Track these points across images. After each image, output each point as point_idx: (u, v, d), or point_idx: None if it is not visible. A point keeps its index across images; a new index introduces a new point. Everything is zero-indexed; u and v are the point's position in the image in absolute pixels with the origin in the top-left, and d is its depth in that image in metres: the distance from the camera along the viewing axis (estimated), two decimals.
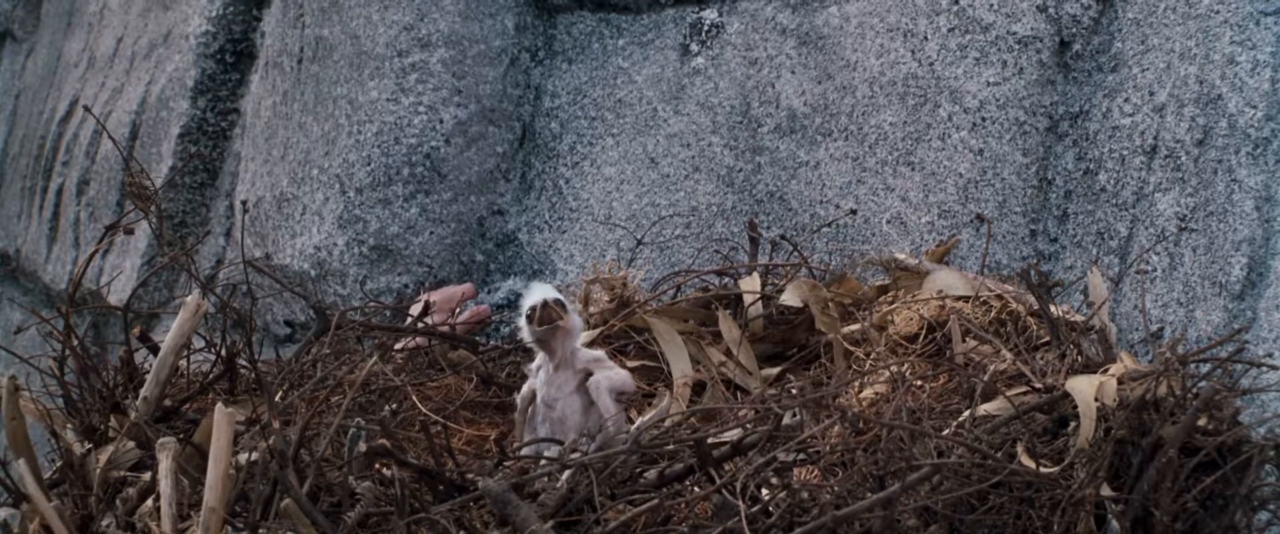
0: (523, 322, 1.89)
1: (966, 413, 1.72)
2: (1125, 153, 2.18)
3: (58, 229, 4.24)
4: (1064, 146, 2.31)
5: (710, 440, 1.63)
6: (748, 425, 1.72)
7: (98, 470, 1.71)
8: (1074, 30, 2.31)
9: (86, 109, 3.75)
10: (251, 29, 3.67)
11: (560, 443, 1.80)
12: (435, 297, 2.42)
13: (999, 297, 2.08)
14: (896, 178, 2.40)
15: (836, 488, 1.56)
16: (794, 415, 1.66)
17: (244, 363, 1.93)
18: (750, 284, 2.22)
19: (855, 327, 2.13)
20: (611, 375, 1.86)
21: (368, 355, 1.93)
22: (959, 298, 2.09)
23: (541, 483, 1.60)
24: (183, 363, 1.89)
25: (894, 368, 1.92)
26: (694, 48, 2.65)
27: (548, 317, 1.84)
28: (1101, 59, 2.28)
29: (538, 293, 1.88)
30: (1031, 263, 2.23)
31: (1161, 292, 2.05)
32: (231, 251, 3.05)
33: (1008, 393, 1.76)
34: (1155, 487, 1.58)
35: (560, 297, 1.88)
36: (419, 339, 2.16)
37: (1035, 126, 2.33)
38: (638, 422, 1.81)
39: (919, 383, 1.90)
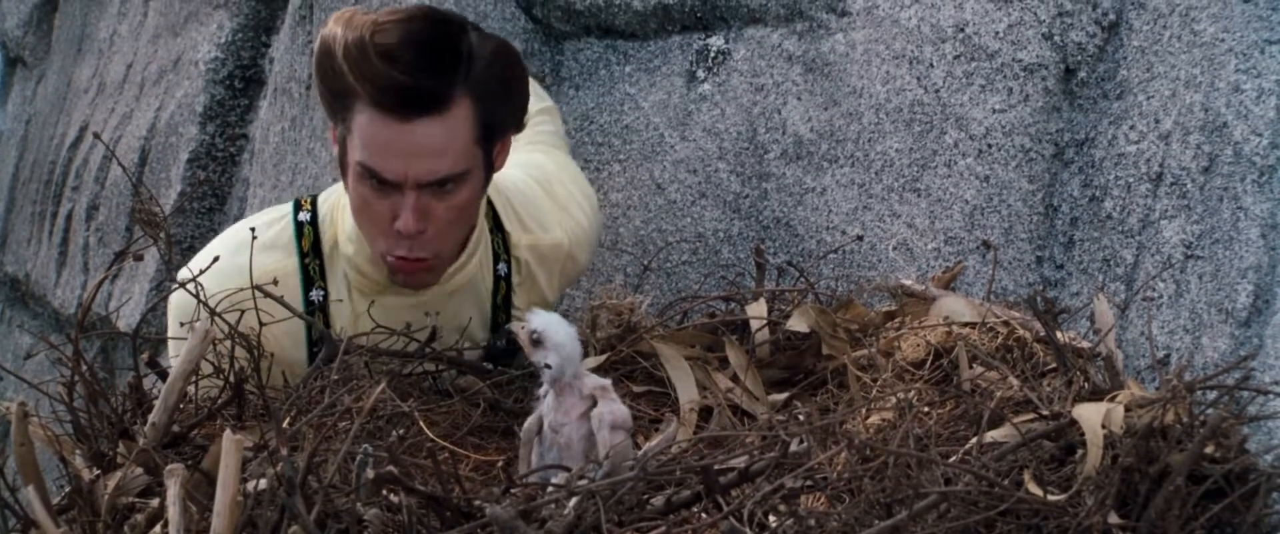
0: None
1: (973, 440, 1.72)
2: (1131, 180, 2.18)
3: (67, 254, 4.25)
4: (1070, 173, 2.32)
5: (717, 467, 1.63)
6: (755, 452, 1.72)
7: (106, 497, 1.71)
8: (1079, 58, 2.32)
9: (96, 136, 3.78)
10: (260, 55, 3.70)
11: (567, 469, 1.80)
12: None
13: (1005, 323, 2.08)
14: (903, 204, 2.40)
15: (844, 515, 1.56)
16: (801, 442, 1.66)
17: (252, 389, 1.94)
18: (757, 310, 2.23)
19: (862, 353, 2.13)
20: (614, 409, 1.86)
21: (375, 382, 1.93)
22: (965, 324, 2.09)
23: (548, 510, 1.60)
24: (191, 388, 1.89)
25: (901, 394, 1.92)
26: (700, 74, 2.66)
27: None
28: (1107, 86, 2.29)
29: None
30: (1038, 289, 2.23)
31: (1168, 318, 2.06)
32: None
33: (1015, 420, 1.76)
34: (1162, 514, 1.58)
35: (536, 328, 1.88)
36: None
37: (1041, 153, 2.33)
38: (644, 448, 1.81)
39: (926, 409, 1.90)
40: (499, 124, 2.14)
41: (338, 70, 2.03)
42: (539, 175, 2.40)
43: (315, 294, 2.22)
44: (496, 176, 2.28)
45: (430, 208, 2.08)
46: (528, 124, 2.49)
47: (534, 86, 2.62)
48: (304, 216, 2.23)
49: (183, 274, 2.07)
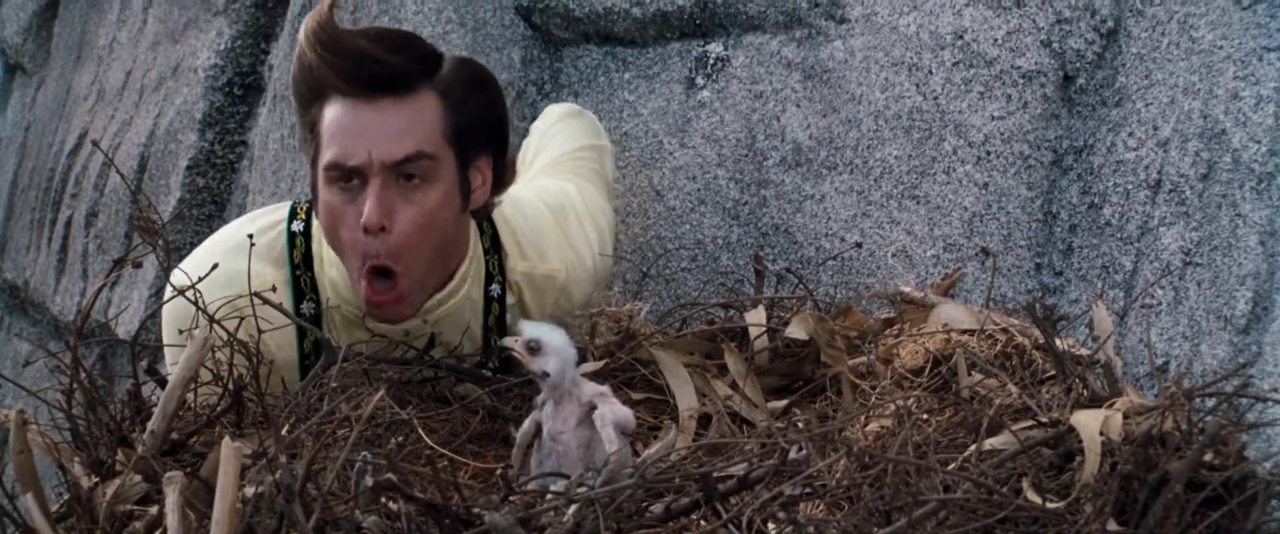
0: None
1: (972, 447, 1.72)
2: (1129, 187, 2.19)
3: (66, 261, 4.25)
4: (1068, 181, 2.32)
5: (716, 474, 1.63)
6: (754, 459, 1.72)
7: (105, 504, 1.71)
8: (1078, 65, 2.32)
9: (94, 144, 3.79)
10: (259, 62, 3.70)
11: (566, 477, 1.80)
12: None
13: (1004, 330, 2.08)
14: (901, 211, 2.40)
15: (843, 523, 1.57)
16: (800, 449, 1.66)
17: (251, 396, 1.94)
18: (756, 317, 2.23)
19: (861, 360, 2.13)
20: (616, 410, 1.86)
21: (374, 389, 1.93)
22: (964, 331, 2.10)
23: (548, 517, 1.60)
24: (190, 396, 1.90)
25: (899, 402, 1.92)
26: (699, 81, 2.67)
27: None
28: (1105, 93, 2.29)
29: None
30: (1037, 296, 2.23)
31: (1166, 326, 2.06)
32: None
33: (1013, 427, 1.76)
34: (1161, 522, 1.58)
35: (533, 337, 1.88)
36: None
37: (1040, 160, 2.33)
38: (643, 455, 1.81)
39: (925, 417, 1.90)
40: (471, 128, 2.12)
41: (308, 64, 2.06)
42: (555, 203, 2.36)
43: (307, 307, 2.19)
44: (504, 197, 2.27)
45: (394, 205, 2.05)
46: (572, 155, 2.49)
47: (590, 124, 2.62)
48: (298, 226, 2.21)
49: (179, 279, 2.06)
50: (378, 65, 2.06)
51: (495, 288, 2.26)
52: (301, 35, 2.08)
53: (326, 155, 2.07)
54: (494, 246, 2.27)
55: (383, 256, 2.08)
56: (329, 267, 2.18)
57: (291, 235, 2.21)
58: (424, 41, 2.17)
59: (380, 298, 2.11)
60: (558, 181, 2.42)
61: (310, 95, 2.10)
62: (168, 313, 2.17)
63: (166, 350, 2.18)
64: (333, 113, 2.07)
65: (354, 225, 2.07)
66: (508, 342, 1.91)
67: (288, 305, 2.16)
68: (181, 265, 2.16)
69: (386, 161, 2.05)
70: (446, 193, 2.10)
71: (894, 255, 2.40)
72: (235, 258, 2.11)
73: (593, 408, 1.87)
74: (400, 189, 2.06)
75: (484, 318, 2.26)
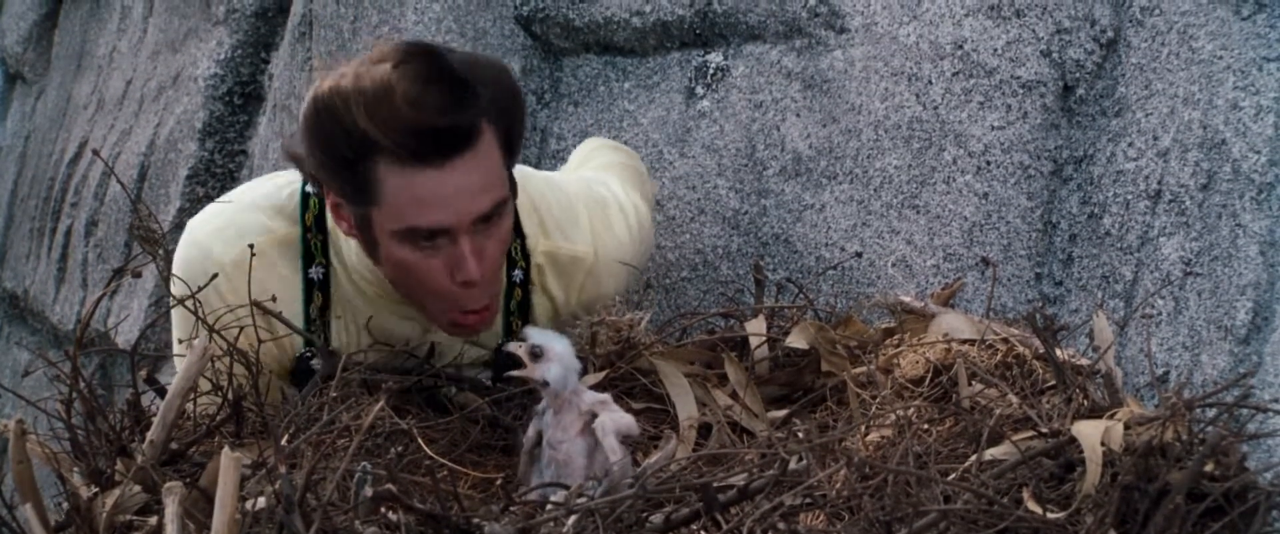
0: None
1: (973, 458, 1.72)
2: (1129, 197, 2.19)
3: (66, 270, 4.25)
4: (1068, 190, 2.32)
5: (716, 485, 1.63)
6: (754, 470, 1.72)
7: (104, 514, 1.71)
8: (1078, 75, 2.32)
9: (94, 152, 3.79)
10: (259, 71, 3.71)
11: (566, 487, 1.80)
12: None
13: (1005, 340, 2.08)
14: (901, 221, 2.40)
15: (843, 533, 1.56)
16: (800, 460, 1.66)
17: (250, 406, 1.94)
18: (756, 326, 2.23)
19: (861, 370, 2.13)
20: (617, 418, 1.87)
21: (374, 399, 1.93)
22: (965, 341, 2.10)
23: (547, 528, 1.60)
24: (190, 405, 1.90)
25: (900, 412, 1.92)
26: (699, 91, 2.67)
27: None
28: (1105, 104, 2.29)
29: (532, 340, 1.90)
30: (1037, 306, 2.23)
31: (1167, 336, 2.06)
32: None
33: (1014, 437, 1.76)
34: (1162, 532, 1.58)
35: (535, 343, 1.88)
36: None
37: (1040, 170, 2.33)
38: (643, 465, 1.81)
39: (925, 427, 1.90)
40: (516, 139, 2.07)
41: (355, 129, 1.92)
42: (594, 191, 2.30)
43: (315, 271, 2.13)
44: (529, 176, 2.22)
45: (484, 248, 2.01)
46: (618, 163, 2.47)
47: (633, 157, 2.57)
48: (313, 188, 2.11)
49: (193, 235, 2.05)
50: (449, 133, 1.94)
51: (518, 272, 2.20)
52: (352, 103, 1.93)
53: (401, 222, 1.97)
54: (515, 229, 2.17)
55: (480, 302, 2.06)
56: (347, 253, 2.13)
57: (305, 196, 2.12)
58: (446, 61, 1.99)
59: (477, 319, 2.10)
60: (600, 174, 2.38)
61: (356, 161, 1.95)
62: (179, 262, 2.11)
63: (174, 314, 2.13)
64: (398, 181, 1.94)
65: (443, 277, 2.01)
66: (511, 347, 1.91)
67: (295, 265, 2.11)
68: (195, 220, 2.14)
69: (474, 218, 1.99)
70: (511, 211, 2.08)
71: (894, 265, 2.40)
72: (248, 213, 2.08)
73: (593, 416, 1.87)
74: (483, 230, 2.01)
75: (506, 303, 2.20)
